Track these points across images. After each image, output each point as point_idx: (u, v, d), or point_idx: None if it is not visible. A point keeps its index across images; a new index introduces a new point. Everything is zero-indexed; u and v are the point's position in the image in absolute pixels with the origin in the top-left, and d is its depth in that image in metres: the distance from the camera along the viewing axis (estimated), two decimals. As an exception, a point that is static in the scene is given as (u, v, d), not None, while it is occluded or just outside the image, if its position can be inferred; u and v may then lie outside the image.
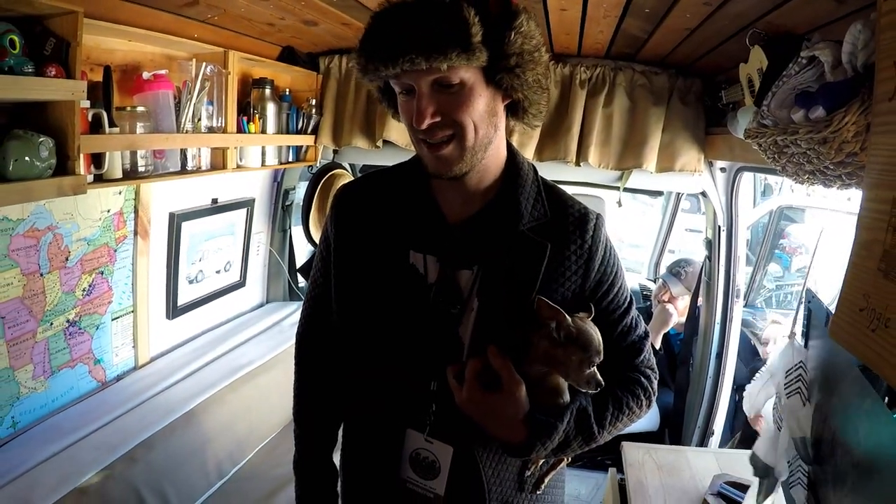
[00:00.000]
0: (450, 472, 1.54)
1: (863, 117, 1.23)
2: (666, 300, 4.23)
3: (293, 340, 1.81)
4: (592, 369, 1.38)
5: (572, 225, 1.51)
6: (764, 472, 1.94)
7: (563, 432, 1.43)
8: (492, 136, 1.43)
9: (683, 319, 4.15)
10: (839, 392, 1.57)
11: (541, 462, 1.62)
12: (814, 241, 2.13)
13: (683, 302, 4.15)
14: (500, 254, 1.45)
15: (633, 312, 1.60)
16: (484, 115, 1.38)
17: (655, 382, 1.60)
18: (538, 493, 1.65)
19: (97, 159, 2.07)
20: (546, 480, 1.65)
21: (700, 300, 3.75)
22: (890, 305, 0.99)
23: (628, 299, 1.60)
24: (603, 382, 1.39)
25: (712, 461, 2.49)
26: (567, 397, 1.47)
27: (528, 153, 3.08)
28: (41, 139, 1.73)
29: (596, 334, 1.39)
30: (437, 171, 1.41)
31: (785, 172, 1.70)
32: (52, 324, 2.42)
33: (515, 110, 1.47)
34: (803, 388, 1.79)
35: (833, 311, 1.21)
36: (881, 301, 1.02)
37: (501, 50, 1.33)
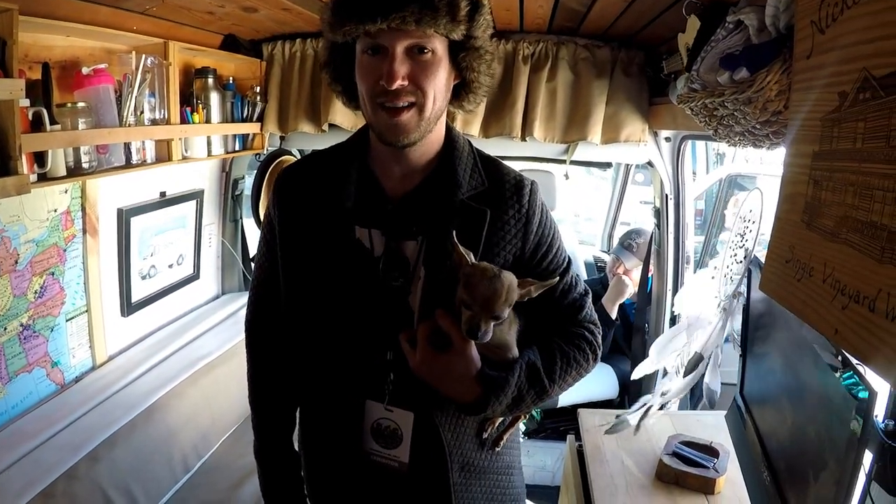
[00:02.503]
0: (412, 439, 1.58)
1: (785, 76, 1.27)
2: (621, 273, 4.26)
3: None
4: (477, 318, 1.37)
5: (509, 191, 1.56)
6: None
7: (515, 386, 1.47)
8: (442, 110, 1.49)
9: (636, 289, 4.18)
10: (780, 344, 1.63)
11: (497, 422, 1.66)
12: (750, 205, 2.17)
13: (638, 272, 4.18)
14: (443, 223, 1.48)
15: (572, 272, 1.65)
16: (443, 87, 1.45)
17: (599, 337, 1.65)
18: (497, 450, 1.69)
19: (40, 158, 2.04)
20: (505, 438, 1.70)
21: (651, 269, 3.79)
22: (814, 255, 1.03)
23: (566, 260, 1.65)
24: (483, 336, 1.38)
25: (668, 423, 2.54)
26: (515, 352, 1.51)
27: (474, 130, 3.11)
28: (-20, 140, 1.70)
29: (494, 285, 1.37)
30: (392, 138, 1.44)
31: (718, 136, 1.74)
32: (5, 328, 2.39)
33: (457, 93, 1.53)
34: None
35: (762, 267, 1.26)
36: (805, 251, 1.06)
37: (471, 30, 1.41)
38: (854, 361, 1.14)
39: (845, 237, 0.94)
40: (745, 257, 2.12)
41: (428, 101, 1.41)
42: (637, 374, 2.69)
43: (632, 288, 4.19)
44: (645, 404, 2.34)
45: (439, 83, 1.43)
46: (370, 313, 1.53)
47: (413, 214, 1.53)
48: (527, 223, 1.56)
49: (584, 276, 4.90)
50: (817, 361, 1.36)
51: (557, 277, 1.51)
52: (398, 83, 1.36)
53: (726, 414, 2.13)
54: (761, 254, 1.84)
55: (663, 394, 2.35)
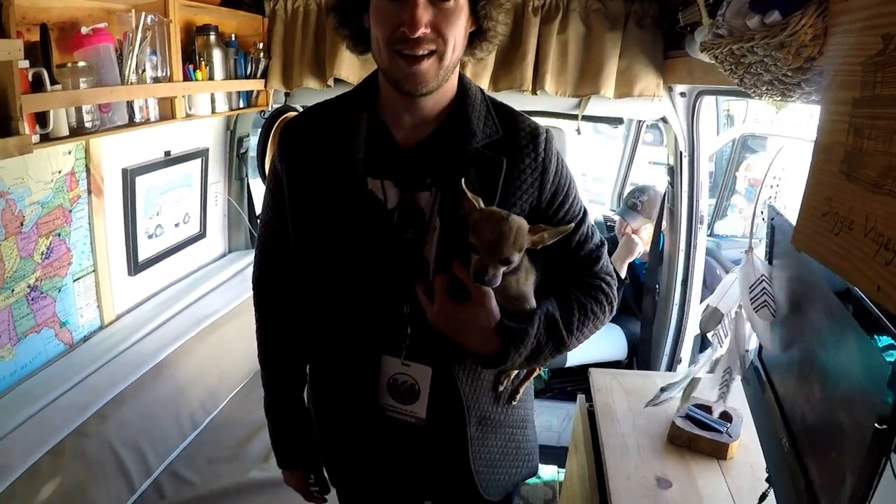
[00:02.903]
0: (429, 394, 1.56)
1: (820, 19, 1.21)
2: (630, 233, 4.19)
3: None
4: (484, 262, 1.36)
5: (525, 140, 1.51)
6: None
7: (534, 337, 1.45)
8: (459, 59, 1.45)
9: (649, 248, 4.11)
10: (807, 307, 1.58)
11: (513, 375, 1.66)
12: (776, 156, 2.10)
13: (647, 231, 4.11)
14: (457, 172, 1.43)
15: (588, 222, 1.61)
16: (462, 36, 1.40)
17: (615, 288, 1.62)
18: (513, 404, 1.69)
19: (41, 118, 2.01)
20: (521, 392, 1.69)
21: (664, 228, 3.74)
22: (853, 207, 0.98)
23: (583, 210, 1.61)
24: (491, 281, 1.36)
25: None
26: (533, 303, 1.49)
27: (484, 83, 3.05)
28: (-20, 101, 1.67)
29: (501, 228, 1.35)
30: (409, 87, 1.40)
31: (744, 85, 1.68)
32: (13, 290, 2.39)
33: (471, 41, 1.48)
34: (770, 301, 1.80)
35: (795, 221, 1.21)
36: (844, 203, 1.01)
37: None
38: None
39: (890, 188, 0.90)
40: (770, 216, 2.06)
41: (448, 48, 1.37)
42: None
43: (641, 246, 4.11)
44: (688, 376, 2.26)
45: (460, 31, 1.38)
46: (385, 267, 1.50)
47: (426, 164, 1.49)
48: (543, 172, 1.51)
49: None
50: (849, 323, 1.31)
51: (573, 225, 1.47)
52: (421, 31, 1.31)
53: (742, 377, 2.09)
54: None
55: (712, 367, 2.25)
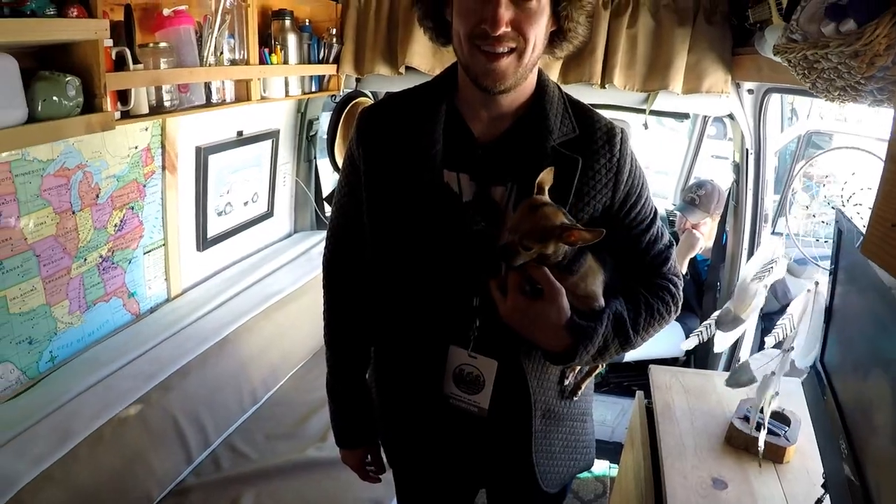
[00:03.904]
0: (494, 386, 1.58)
1: (894, 30, 1.20)
2: (689, 228, 4.11)
3: (321, 268, 1.83)
4: (509, 243, 1.38)
5: (601, 140, 1.51)
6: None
7: (602, 335, 1.46)
8: (538, 58, 1.45)
9: (711, 243, 4.03)
10: (874, 313, 1.57)
11: (577, 370, 1.68)
12: (840, 169, 2.08)
13: (707, 226, 4.05)
14: (534, 169, 1.43)
15: (658, 223, 1.61)
16: (543, 35, 1.41)
17: (681, 289, 1.62)
18: (574, 399, 1.71)
19: (123, 96, 2.07)
20: (583, 386, 1.71)
21: (727, 226, 3.68)
22: (924, 219, 0.98)
23: (654, 210, 1.61)
24: (513, 262, 1.39)
25: (741, 385, 2.48)
26: (602, 302, 1.50)
27: (553, 75, 3.02)
28: (68, 79, 1.74)
29: (525, 216, 1.37)
30: (488, 83, 1.40)
31: (815, 90, 1.66)
32: (85, 260, 2.48)
33: (551, 40, 1.48)
34: (767, 279, 1.82)
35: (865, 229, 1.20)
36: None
37: None
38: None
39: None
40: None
41: (528, 47, 1.37)
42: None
43: (702, 241, 4.03)
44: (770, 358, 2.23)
45: (542, 30, 1.38)
46: (456, 258, 1.51)
47: (503, 159, 1.50)
48: (617, 173, 1.51)
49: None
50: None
51: (603, 231, 1.39)
52: (502, 29, 1.32)
53: (803, 381, 2.07)
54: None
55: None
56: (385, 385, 1.78)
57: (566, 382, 1.67)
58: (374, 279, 1.67)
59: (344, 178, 1.69)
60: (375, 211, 1.59)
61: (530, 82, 1.50)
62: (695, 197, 4.08)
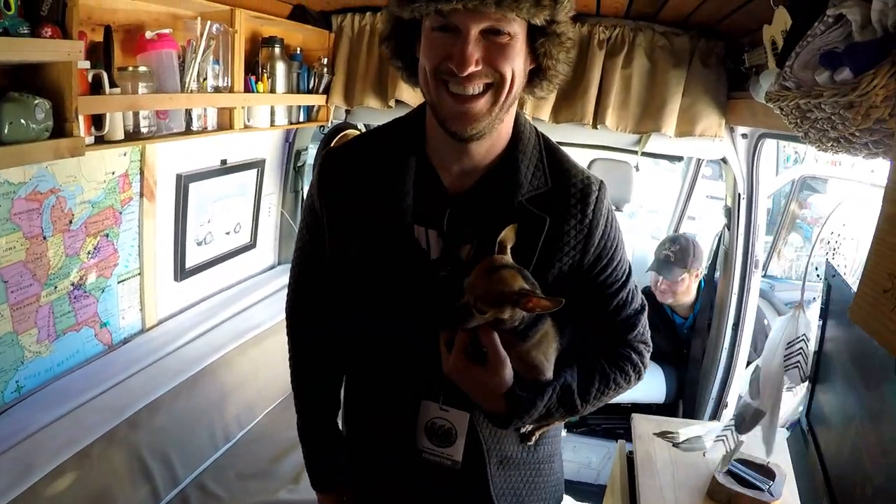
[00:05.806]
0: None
1: (892, 80, 1.15)
2: (665, 290, 3.93)
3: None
4: (461, 303, 1.33)
5: (574, 197, 1.45)
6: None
7: (544, 406, 1.42)
8: (515, 99, 1.38)
9: (689, 299, 3.93)
10: (862, 369, 1.52)
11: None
12: (832, 213, 2.05)
13: (685, 283, 3.87)
14: (498, 226, 1.37)
15: (630, 286, 1.56)
16: (519, 74, 1.34)
17: (647, 357, 1.58)
18: (531, 444, 1.66)
19: (98, 121, 2.03)
20: (537, 435, 1.66)
21: (717, 271, 3.64)
22: (919, 287, 0.92)
23: (626, 272, 1.55)
24: (464, 325, 1.35)
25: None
26: (549, 374, 1.46)
27: (544, 115, 3.02)
28: (37, 101, 1.68)
29: (480, 279, 1.31)
30: (457, 127, 1.33)
31: (808, 139, 1.62)
32: (56, 287, 2.41)
33: (530, 79, 1.41)
34: (802, 364, 1.75)
35: (854, 292, 1.14)
36: (908, 282, 0.95)
37: (554, 14, 1.28)
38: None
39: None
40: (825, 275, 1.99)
41: (505, 83, 1.30)
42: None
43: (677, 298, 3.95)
44: (717, 430, 2.17)
45: (518, 66, 1.31)
46: (423, 313, 1.45)
47: (470, 214, 1.45)
48: (589, 234, 1.45)
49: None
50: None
51: (563, 301, 1.32)
52: (471, 69, 1.25)
53: (788, 436, 2.02)
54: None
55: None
56: (356, 437, 1.75)
57: (522, 430, 1.62)
58: (339, 327, 1.63)
59: (305, 224, 1.65)
60: (338, 262, 1.55)
61: (506, 128, 1.45)
62: (669, 254, 3.88)
